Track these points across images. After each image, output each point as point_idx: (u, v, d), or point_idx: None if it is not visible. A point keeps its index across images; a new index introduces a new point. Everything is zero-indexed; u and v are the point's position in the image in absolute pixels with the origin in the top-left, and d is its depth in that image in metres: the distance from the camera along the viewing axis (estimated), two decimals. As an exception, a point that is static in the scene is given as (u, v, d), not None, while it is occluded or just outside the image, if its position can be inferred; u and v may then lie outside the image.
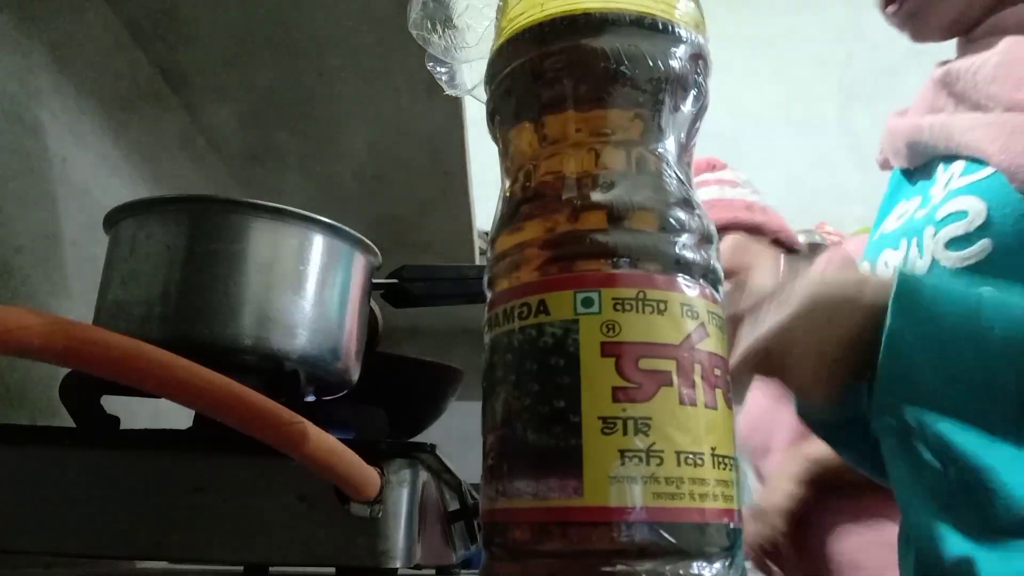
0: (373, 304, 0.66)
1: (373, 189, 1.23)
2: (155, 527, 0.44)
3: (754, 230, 1.12)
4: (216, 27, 0.88)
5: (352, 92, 1.00)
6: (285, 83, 0.98)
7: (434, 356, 0.80)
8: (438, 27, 0.39)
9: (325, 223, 0.57)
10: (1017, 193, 0.56)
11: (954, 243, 0.60)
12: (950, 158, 0.67)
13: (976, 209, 0.59)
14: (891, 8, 0.71)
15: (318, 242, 0.57)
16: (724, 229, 1.11)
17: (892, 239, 0.68)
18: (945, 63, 0.70)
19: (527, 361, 0.30)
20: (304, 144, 1.12)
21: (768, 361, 0.50)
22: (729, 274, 0.55)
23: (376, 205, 1.27)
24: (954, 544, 0.53)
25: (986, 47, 0.65)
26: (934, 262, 0.62)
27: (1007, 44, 0.63)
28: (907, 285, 0.50)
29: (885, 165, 0.84)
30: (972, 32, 0.69)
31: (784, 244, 1.15)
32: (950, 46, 0.72)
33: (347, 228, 0.58)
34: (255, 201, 0.55)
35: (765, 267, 1.10)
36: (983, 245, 0.58)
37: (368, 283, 0.62)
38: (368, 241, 0.61)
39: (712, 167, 1.22)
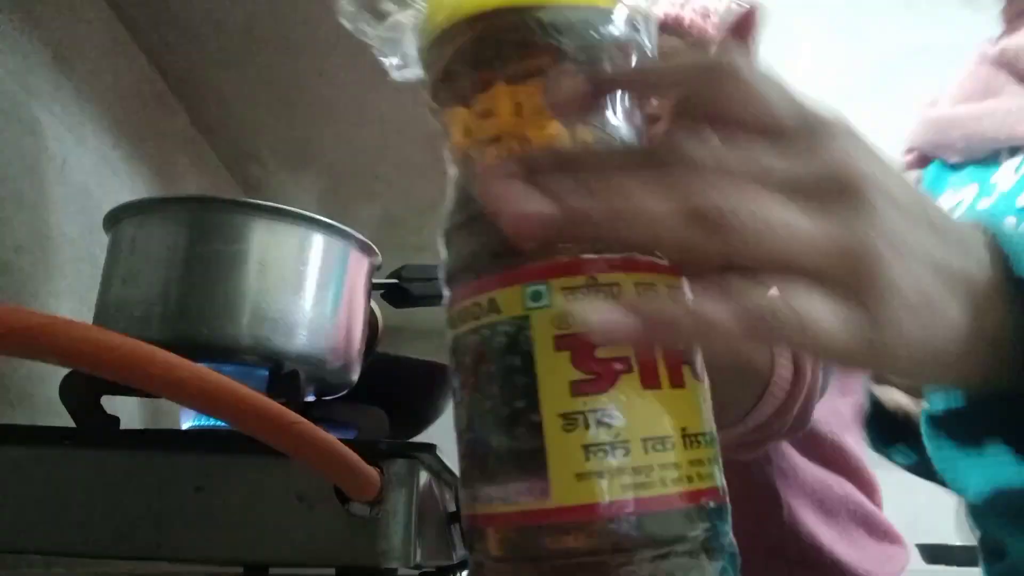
0: (373, 304, 0.66)
1: (373, 189, 1.23)
2: (155, 527, 0.44)
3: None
4: (216, 27, 0.88)
5: (352, 92, 1.00)
6: (285, 83, 0.98)
7: (434, 356, 0.80)
8: (370, 18, 0.36)
9: (325, 223, 0.57)
10: None
11: None
12: (1015, 148, 0.58)
13: None
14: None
15: (318, 242, 0.57)
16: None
17: None
18: (997, 38, 0.62)
19: (484, 363, 0.29)
20: (304, 144, 1.12)
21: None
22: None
23: (376, 205, 1.27)
24: None
25: None
26: None
27: None
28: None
29: (919, 163, 0.75)
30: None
31: None
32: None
33: (347, 228, 0.58)
34: (255, 201, 0.55)
35: None
36: None
37: (368, 283, 0.62)
38: (368, 241, 0.61)
39: None
